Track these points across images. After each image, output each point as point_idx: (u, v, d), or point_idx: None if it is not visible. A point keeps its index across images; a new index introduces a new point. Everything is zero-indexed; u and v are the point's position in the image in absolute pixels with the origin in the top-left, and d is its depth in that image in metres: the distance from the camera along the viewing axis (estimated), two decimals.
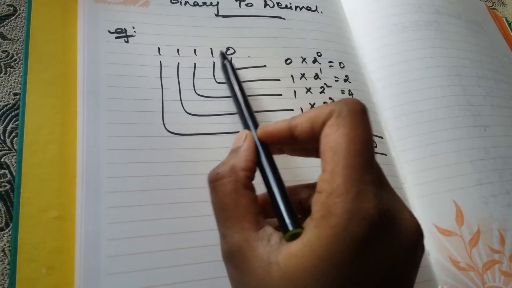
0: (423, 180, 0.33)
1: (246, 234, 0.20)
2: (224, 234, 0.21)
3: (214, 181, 0.22)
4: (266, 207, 0.23)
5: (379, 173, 0.21)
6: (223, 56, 0.31)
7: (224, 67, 0.31)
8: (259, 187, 0.23)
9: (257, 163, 0.23)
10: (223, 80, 0.31)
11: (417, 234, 0.20)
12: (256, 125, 0.26)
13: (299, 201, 0.24)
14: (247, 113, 0.27)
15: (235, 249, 0.20)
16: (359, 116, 0.21)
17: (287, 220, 0.21)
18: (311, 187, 0.24)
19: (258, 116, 0.31)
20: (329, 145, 0.20)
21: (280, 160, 0.24)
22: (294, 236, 0.20)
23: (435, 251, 0.30)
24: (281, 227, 0.21)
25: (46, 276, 0.24)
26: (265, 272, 0.19)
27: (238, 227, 0.21)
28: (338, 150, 0.20)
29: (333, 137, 0.20)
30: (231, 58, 0.33)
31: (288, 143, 0.24)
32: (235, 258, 0.20)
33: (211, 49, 0.33)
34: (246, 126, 0.26)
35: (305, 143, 0.23)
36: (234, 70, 0.30)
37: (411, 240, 0.20)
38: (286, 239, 0.20)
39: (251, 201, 0.22)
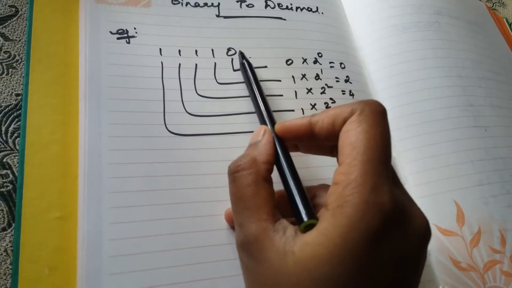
0: (424, 181, 0.33)
1: (264, 225, 0.21)
2: (241, 224, 0.22)
3: (235, 172, 0.23)
4: (280, 205, 0.23)
5: (393, 171, 0.22)
6: (242, 55, 0.32)
7: (242, 66, 0.31)
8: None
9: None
10: (224, 81, 0.32)
11: (427, 230, 0.21)
12: (273, 122, 0.27)
13: None
14: (265, 110, 0.28)
15: (252, 238, 0.21)
16: (380, 116, 0.21)
17: (303, 211, 0.21)
18: (317, 188, 0.25)
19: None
20: (349, 140, 0.21)
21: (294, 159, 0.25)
22: (308, 228, 0.20)
23: (436, 251, 0.30)
24: (296, 218, 0.22)
25: (48, 276, 0.24)
26: (280, 261, 0.20)
27: (256, 217, 0.21)
28: (358, 145, 0.20)
29: (354, 133, 0.21)
30: (232, 59, 0.33)
31: (305, 139, 0.24)
32: (251, 247, 0.21)
33: (212, 50, 0.33)
34: (264, 122, 0.27)
35: (323, 140, 0.23)
36: (252, 69, 0.31)
37: (421, 235, 0.21)
38: (301, 230, 0.21)
39: (269, 193, 0.22)
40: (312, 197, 0.25)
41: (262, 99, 0.29)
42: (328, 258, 0.19)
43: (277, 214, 0.22)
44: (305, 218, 0.21)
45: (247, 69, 0.31)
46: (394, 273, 0.19)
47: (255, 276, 0.21)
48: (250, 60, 0.32)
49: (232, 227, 0.27)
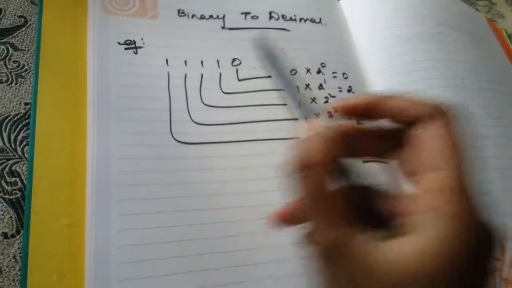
0: None
1: (347, 229, 0.20)
2: (322, 227, 0.20)
3: (307, 168, 0.20)
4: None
5: None
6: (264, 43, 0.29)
7: (269, 54, 0.28)
8: None
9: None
10: (230, 91, 0.32)
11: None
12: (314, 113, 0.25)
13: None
14: (302, 103, 0.26)
15: (337, 242, 0.19)
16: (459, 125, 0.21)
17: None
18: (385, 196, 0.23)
19: (263, 126, 0.31)
20: (441, 146, 0.20)
21: None
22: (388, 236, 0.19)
23: None
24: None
25: (57, 282, 0.25)
26: (369, 267, 0.19)
27: (335, 221, 0.20)
28: (454, 155, 0.20)
29: (447, 139, 0.20)
30: (237, 70, 0.33)
31: (365, 116, 0.23)
32: (336, 252, 0.19)
33: (218, 61, 0.33)
34: (306, 115, 0.25)
35: (384, 116, 0.22)
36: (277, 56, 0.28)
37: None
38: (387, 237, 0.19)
39: (345, 193, 0.21)
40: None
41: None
42: (426, 266, 0.18)
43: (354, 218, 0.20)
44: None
45: (275, 57, 0.28)
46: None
47: (338, 281, 0.20)
48: (255, 71, 0.32)
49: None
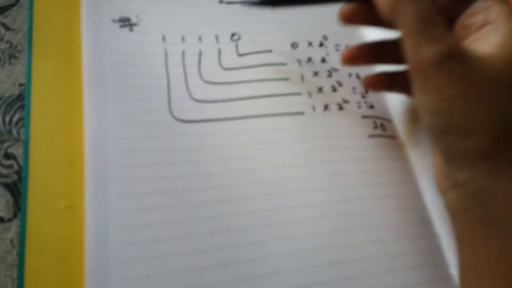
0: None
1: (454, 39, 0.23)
2: (440, 37, 0.22)
3: None
4: None
5: None
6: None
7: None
8: None
9: None
10: (230, 66, 0.31)
11: None
12: None
13: None
14: None
15: (459, 48, 0.22)
16: None
17: None
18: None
19: (265, 101, 0.31)
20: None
21: None
22: None
23: (446, 234, 0.29)
24: None
25: (55, 266, 0.24)
26: (486, 61, 0.22)
27: (450, 32, 0.23)
28: None
29: None
30: (237, 45, 0.32)
31: None
32: (459, 54, 0.22)
33: (216, 36, 0.32)
34: None
35: None
36: None
37: None
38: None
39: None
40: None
41: None
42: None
43: None
44: None
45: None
46: None
47: (465, 81, 0.22)
48: (255, 45, 0.32)
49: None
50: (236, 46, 0.32)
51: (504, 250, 0.21)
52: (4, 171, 0.27)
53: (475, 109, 0.22)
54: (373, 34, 0.37)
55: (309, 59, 0.33)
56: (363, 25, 0.29)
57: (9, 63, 0.30)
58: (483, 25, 0.24)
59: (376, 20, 0.26)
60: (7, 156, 0.27)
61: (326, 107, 0.32)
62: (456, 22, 0.25)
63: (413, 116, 0.33)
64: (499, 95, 0.22)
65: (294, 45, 0.34)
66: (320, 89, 0.32)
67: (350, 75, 0.34)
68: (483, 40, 0.23)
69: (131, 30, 0.31)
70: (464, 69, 0.22)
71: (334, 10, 0.36)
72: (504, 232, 0.22)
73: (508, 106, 0.22)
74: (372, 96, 0.33)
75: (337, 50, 0.35)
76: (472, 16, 0.24)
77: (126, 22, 0.31)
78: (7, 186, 0.26)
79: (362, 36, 0.37)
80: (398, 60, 0.27)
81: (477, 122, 0.22)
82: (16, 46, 0.30)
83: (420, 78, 0.23)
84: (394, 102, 0.34)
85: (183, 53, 0.31)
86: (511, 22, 0.23)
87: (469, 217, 0.23)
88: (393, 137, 0.32)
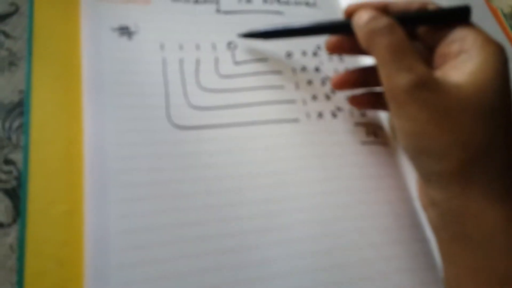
0: None
1: (426, 68, 0.24)
2: (410, 67, 0.24)
3: (392, 25, 0.25)
4: None
5: None
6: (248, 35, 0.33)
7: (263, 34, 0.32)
8: None
9: None
10: (227, 74, 0.32)
11: None
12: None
13: None
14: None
15: (428, 74, 0.24)
16: None
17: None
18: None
19: (261, 108, 0.31)
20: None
21: None
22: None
23: None
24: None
25: (55, 271, 0.24)
26: (457, 89, 0.23)
27: (421, 60, 0.24)
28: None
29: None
30: (233, 53, 0.33)
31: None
32: (429, 82, 0.23)
33: (213, 44, 0.33)
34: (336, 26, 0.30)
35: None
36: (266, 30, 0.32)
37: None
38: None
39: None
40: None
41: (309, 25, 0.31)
42: (488, 84, 0.23)
43: None
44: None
45: (268, 30, 0.32)
46: None
47: (434, 107, 0.23)
48: (251, 54, 0.32)
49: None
50: (233, 55, 0.33)
51: (478, 265, 0.23)
52: (4, 176, 0.27)
53: (444, 134, 0.23)
54: None
55: (304, 68, 0.34)
56: (348, 54, 0.32)
57: (9, 71, 0.30)
58: (459, 54, 0.25)
59: (359, 50, 0.28)
60: (7, 161, 0.27)
61: (320, 115, 0.32)
62: (435, 50, 0.27)
63: None
64: (467, 120, 0.23)
65: (289, 54, 0.34)
66: (314, 97, 0.33)
67: None
68: (458, 68, 0.24)
69: (129, 38, 0.31)
70: (433, 96, 0.23)
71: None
72: (476, 249, 0.23)
73: (475, 131, 0.23)
74: None
75: (330, 59, 0.35)
76: (450, 45, 0.26)
77: (125, 31, 0.31)
78: (6, 191, 0.27)
79: None
80: None
81: (446, 145, 0.23)
82: (16, 54, 0.31)
83: (393, 104, 0.24)
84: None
85: (181, 61, 0.31)
86: (484, 52, 0.24)
87: (446, 233, 0.24)
88: (385, 143, 0.33)
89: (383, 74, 0.25)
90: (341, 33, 0.30)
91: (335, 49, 0.31)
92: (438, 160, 0.23)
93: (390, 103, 0.25)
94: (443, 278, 0.26)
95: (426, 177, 0.25)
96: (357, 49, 0.28)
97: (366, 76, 0.31)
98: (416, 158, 0.25)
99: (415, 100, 0.23)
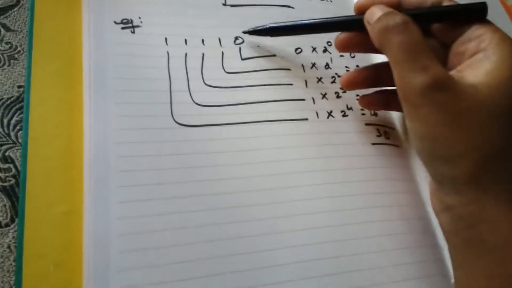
0: None
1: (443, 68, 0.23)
2: (426, 66, 0.23)
3: (406, 23, 0.24)
4: None
5: None
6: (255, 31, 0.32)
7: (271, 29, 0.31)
8: None
9: None
10: (233, 70, 0.31)
11: None
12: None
13: None
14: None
15: (445, 75, 0.23)
16: None
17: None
18: None
19: (268, 106, 0.30)
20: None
21: None
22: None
23: None
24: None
25: (53, 272, 0.23)
26: (474, 90, 0.23)
27: (436, 60, 0.23)
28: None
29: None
30: (240, 48, 0.32)
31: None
32: (446, 82, 0.23)
33: (219, 39, 0.32)
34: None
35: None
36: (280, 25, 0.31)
37: None
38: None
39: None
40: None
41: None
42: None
43: None
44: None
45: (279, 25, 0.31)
46: None
47: (450, 110, 0.22)
48: (259, 49, 0.32)
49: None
50: (240, 50, 0.32)
51: (492, 271, 0.22)
52: (2, 174, 0.26)
53: (458, 137, 0.22)
54: None
55: (313, 65, 0.33)
56: (358, 51, 0.31)
57: (9, 65, 0.29)
58: (475, 53, 0.24)
59: (371, 47, 0.27)
60: (5, 159, 0.27)
61: (329, 114, 0.31)
62: (451, 48, 0.26)
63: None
64: (483, 123, 0.22)
65: (298, 51, 0.33)
66: (324, 95, 0.32)
67: None
68: (474, 68, 0.24)
69: (133, 32, 0.30)
70: (449, 98, 0.22)
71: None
72: (489, 255, 0.22)
73: (491, 134, 0.22)
74: None
75: (341, 56, 0.34)
76: (466, 43, 0.25)
77: (128, 24, 0.30)
78: (4, 190, 0.26)
79: None
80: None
81: (459, 149, 0.22)
82: (16, 47, 0.30)
83: (407, 105, 0.24)
84: None
85: (186, 56, 0.31)
86: (501, 51, 0.23)
87: (459, 238, 0.23)
88: (396, 145, 0.32)
89: (396, 74, 0.24)
90: (352, 30, 0.29)
91: (345, 47, 0.30)
92: (453, 164, 0.23)
93: (404, 104, 0.24)
94: (453, 285, 0.25)
95: (440, 182, 0.24)
96: (369, 47, 0.27)
97: (378, 75, 0.30)
98: (430, 162, 0.24)
99: (430, 102, 0.22)
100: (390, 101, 0.30)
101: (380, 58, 0.34)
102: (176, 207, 0.26)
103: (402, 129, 0.33)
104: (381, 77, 0.30)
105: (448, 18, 0.26)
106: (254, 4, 0.34)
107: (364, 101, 0.32)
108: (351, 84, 0.31)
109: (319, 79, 0.33)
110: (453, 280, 0.28)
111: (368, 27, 0.26)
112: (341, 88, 0.32)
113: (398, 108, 0.29)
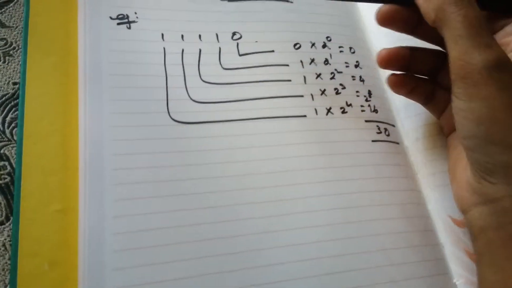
0: (439, 170, 0.31)
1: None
2: (490, 44, 0.22)
3: None
4: None
5: None
6: None
7: None
8: None
9: None
10: (230, 66, 0.30)
11: None
12: None
13: None
14: None
15: (507, 58, 0.22)
16: None
17: None
18: None
19: (266, 103, 0.30)
20: None
21: None
22: None
23: (450, 243, 0.29)
24: None
25: (48, 271, 0.23)
26: None
27: (495, 41, 0.22)
28: None
29: None
30: (238, 44, 0.32)
31: None
32: (507, 67, 0.22)
33: (217, 34, 0.31)
34: None
35: None
36: None
37: None
38: None
39: None
40: None
41: None
42: None
43: None
44: None
45: None
46: None
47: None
48: (257, 45, 0.31)
49: None
50: (237, 46, 0.32)
51: None
52: None
53: None
54: (379, 39, 0.36)
55: (312, 60, 0.33)
56: (398, 29, 0.29)
57: (4, 61, 0.29)
58: None
59: (413, 27, 0.26)
60: (0, 157, 0.26)
61: (328, 110, 0.31)
62: None
63: (418, 122, 0.33)
64: None
65: (296, 46, 0.33)
66: (323, 92, 0.32)
67: (353, 77, 0.33)
68: None
69: (129, 27, 0.30)
70: None
71: (338, 11, 0.36)
72: None
73: None
74: (376, 100, 0.32)
75: (341, 51, 0.34)
76: (509, 35, 0.24)
77: (124, 20, 0.30)
78: None
79: (367, 40, 0.36)
80: (426, 70, 0.29)
81: None
82: (11, 44, 0.30)
83: (465, 84, 0.22)
84: (398, 107, 0.33)
85: (182, 52, 0.30)
86: None
87: (500, 234, 0.22)
88: (397, 142, 0.32)
89: (456, 50, 0.22)
90: (399, 3, 0.27)
91: (387, 21, 0.28)
92: (508, 150, 0.21)
93: (460, 83, 0.22)
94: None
95: (489, 170, 0.22)
96: (412, 26, 0.27)
97: (413, 57, 0.29)
98: (483, 147, 0.22)
99: (494, 81, 0.21)
100: (416, 88, 0.30)
101: None
102: (172, 205, 0.25)
103: (402, 127, 0.33)
104: (415, 61, 0.29)
105: (494, 8, 0.25)
106: None
107: (392, 80, 0.30)
108: (389, 61, 0.29)
109: (318, 75, 0.32)
110: (455, 280, 0.28)
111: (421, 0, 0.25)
112: (342, 84, 0.32)
113: (420, 97, 0.30)
